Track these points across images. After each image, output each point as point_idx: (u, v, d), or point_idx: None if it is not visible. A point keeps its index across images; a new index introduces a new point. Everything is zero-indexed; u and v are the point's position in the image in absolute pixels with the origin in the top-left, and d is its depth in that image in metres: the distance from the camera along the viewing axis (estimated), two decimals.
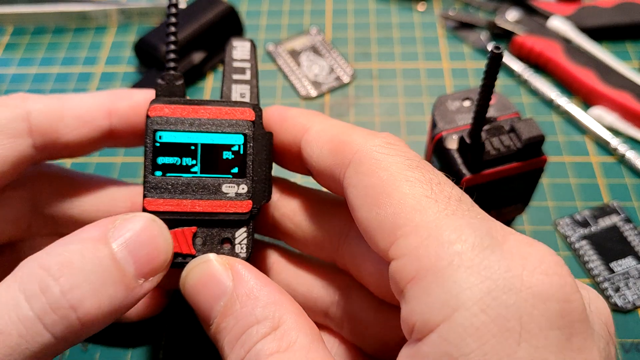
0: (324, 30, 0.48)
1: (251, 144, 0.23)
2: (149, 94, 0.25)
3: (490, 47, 0.22)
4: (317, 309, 0.25)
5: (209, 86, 0.44)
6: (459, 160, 0.27)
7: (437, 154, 0.28)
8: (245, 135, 0.23)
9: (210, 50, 0.44)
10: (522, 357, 0.15)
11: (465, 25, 0.47)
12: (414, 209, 0.18)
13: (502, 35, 0.45)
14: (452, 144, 0.27)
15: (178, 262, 0.22)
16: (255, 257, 0.26)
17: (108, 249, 0.20)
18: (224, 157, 0.23)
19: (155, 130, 0.23)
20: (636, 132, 0.39)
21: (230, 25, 0.46)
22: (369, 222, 0.19)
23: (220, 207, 0.23)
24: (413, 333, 0.17)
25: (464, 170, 0.26)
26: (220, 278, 0.21)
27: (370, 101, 0.43)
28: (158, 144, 0.23)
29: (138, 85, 0.43)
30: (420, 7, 0.49)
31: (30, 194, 0.26)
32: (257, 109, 0.24)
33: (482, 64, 0.45)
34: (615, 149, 0.38)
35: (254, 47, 0.26)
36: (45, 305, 0.18)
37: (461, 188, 0.25)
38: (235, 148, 0.23)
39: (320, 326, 0.26)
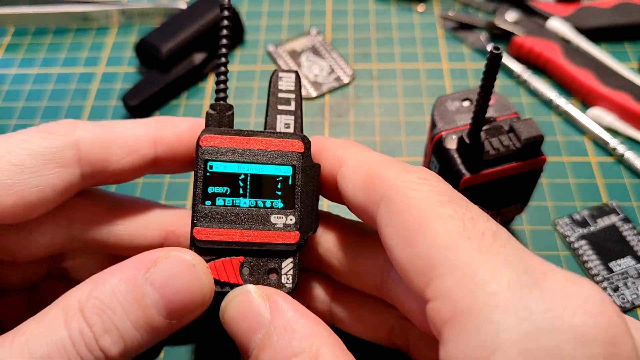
0: (324, 31, 0.48)
1: (299, 176, 0.24)
2: (193, 122, 0.26)
3: (489, 47, 0.22)
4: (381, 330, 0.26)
5: (210, 87, 0.44)
6: (458, 160, 0.27)
7: (437, 154, 0.28)
8: (294, 166, 0.24)
9: (211, 51, 0.44)
10: None
11: (464, 26, 0.47)
12: (446, 247, 0.17)
13: (501, 36, 0.46)
14: (452, 144, 0.27)
15: (225, 291, 0.23)
16: (302, 287, 0.26)
17: (139, 293, 0.20)
18: (273, 188, 0.23)
19: (207, 160, 0.23)
20: (635, 132, 0.39)
21: (231, 26, 0.46)
22: (403, 262, 0.19)
23: (268, 238, 0.23)
24: None
25: (463, 170, 0.27)
26: (258, 310, 0.21)
27: (370, 101, 0.43)
28: (209, 174, 0.23)
29: (139, 85, 0.43)
30: (420, 8, 0.49)
31: (66, 222, 0.25)
32: (306, 140, 0.24)
33: (481, 64, 0.45)
34: (614, 149, 0.38)
35: (298, 78, 0.26)
36: (83, 347, 0.19)
37: (460, 188, 0.25)
38: (284, 179, 0.24)
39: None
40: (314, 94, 0.43)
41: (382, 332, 0.26)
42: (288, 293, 0.23)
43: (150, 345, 0.21)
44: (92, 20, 0.49)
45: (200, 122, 0.26)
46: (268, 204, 0.23)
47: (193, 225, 0.23)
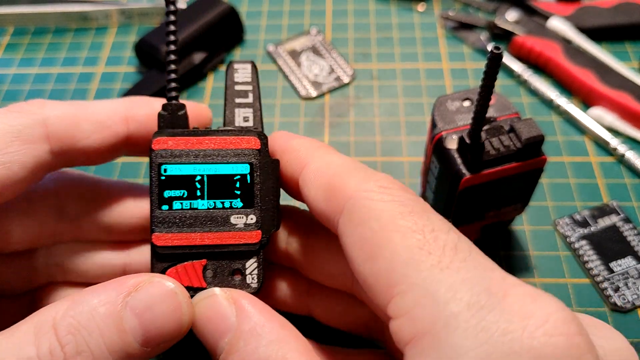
0: (324, 30, 0.48)
1: (258, 173, 0.23)
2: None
3: (490, 47, 0.22)
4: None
5: (209, 86, 0.44)
6: (458, 160, 0.27)
7: (437, 154, 0.28)
8: (251, 164, 0.23)
9: (211, 50, 0.44)
10: None
11: (464, 26, 0.47)
12: (407, 263, 0.17)
13: (501, 36, 0.45)
14: (452, 144, 0.27)
15: (190, 295, 0.22)
16: (274, 282, 0.26)
17: (118, 318, 0.20)
18: (231, 187, 0.23)
19: (160, 164, 0.23)
20: (635, 132, 0.39)
21: (231, 25, 0.46)
22: (365, 277, 0.18)
23: (229, 239, 0.23)
24: None
25: (464, 170, 0.27)
26: (225, 313, 0.21)
27: (370, 101, 0.43)
28: (164, 177, 0.23)
29: (138, 85, 0.43)
30: (420, 7, 0.49)
31: (56, 201, 0.26)
32: (262, 136, 0.23)
33: (481, 64, 0.45)
34: (614, 149, 0.38)
35: (255, 68, 0.26)
36: None
37: (460, 188, 0.25)
38: (242, 178, 0.23)
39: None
40: (314, 93, 0.43)
41: (358, 325, 0.26)
42: (254, 293, 0.23)
43: None
44: (92, 20, 0.49)
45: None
46: (227, 204, 0.23)
47: (152, 231, 0.22)
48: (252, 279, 0.23)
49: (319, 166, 0.22)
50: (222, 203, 0.23)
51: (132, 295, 0.20)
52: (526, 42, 0.43)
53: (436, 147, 0.28)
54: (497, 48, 0.21)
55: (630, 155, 0.37)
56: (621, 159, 0.38)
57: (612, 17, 0.45)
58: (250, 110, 0.25)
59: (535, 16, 0.46)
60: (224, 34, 0.45)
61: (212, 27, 0.44)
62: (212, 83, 0.45)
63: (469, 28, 0.47)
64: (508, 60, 0.44)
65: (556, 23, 0.44)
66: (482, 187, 0.27)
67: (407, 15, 0.49)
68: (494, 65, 0.22)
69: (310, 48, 0.46)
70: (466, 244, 0.18)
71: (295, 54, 0.46)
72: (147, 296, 0.20)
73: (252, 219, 0.23)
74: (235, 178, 0.23)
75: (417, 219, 0.18)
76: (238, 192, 0.23)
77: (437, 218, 0.19)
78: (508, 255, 0.34)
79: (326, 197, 0.21)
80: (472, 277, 0.16)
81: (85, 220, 0.26)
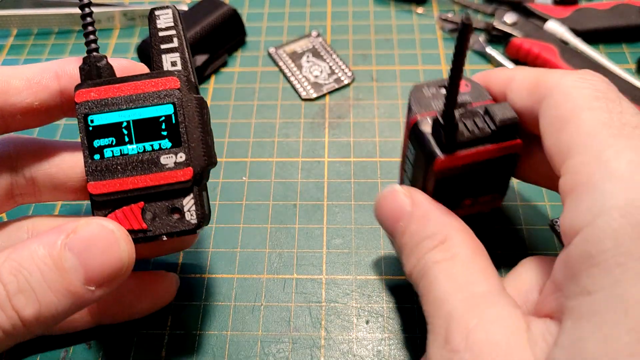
0: (325, 32, 0.48)
1: (181, 111, 0.23)
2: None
3: (460, 18, 0.23)
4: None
5: (211, 88, 0.45)
6: (432, 142, 0.26)
7: (412, 138, 0.28)
8: (173, 103, 0.24)
9: (213, 52, 0.45)
10: None
11: None
12: (587, 134, 0.20)
13: (499, 38, 0.46)
14: (427, 127, 0.27)
15: (137, 238, 0.23)
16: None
17: (57, 257, 0.21)
18: (157, 129, 0.23)
19: (86, 115, 0.23)
20: None
21: (232, 27, 0.46)
22: (551, 147, 0.21)
23: (162, 179, 0.23)
24: (566, 237, 0.19)
25: (438, 152, 0.26)
26: (402, 203, 0.25)
27: (370, 102, 0.43)
28: (91, 128, 0.23)
29: None
30: (419, 10, 0.50)
31: (9, 162, 0.26)
32: (181, 75, 0.24)
33: (480, 66, 0.45)
34: None
35: (177, 13, 0.26)
36: None
37: (435, 169, 0.25)
38: (167, 118, 0.23)
39: None
40: (314, 95, 0.44)
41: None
42: (194, 229, 0.23)
43: (70, 313, 0.21)
44: (95, 22, 0.49)
45: (113, 61, 0.25)
46: (156, 146, 0.23)
47: (87, 181, 0.23)
48: (191, 215, 0.24)
49: (524, 75, 0.25)
50: (151, 145, 0.23)
51: (71, 236, 0.21)
52: (524, 44, 0.44)
53: (412, 131, 0.28)
54: (467, 18, 0.21)
55: None
56: None
57: (608, 20, 0.45)
58: (177, 54, 0.25)
59: (532, 18, 0.46)
60: (226, 36, 0.46)
61: (214, 29, 0.44)
62: (213, 85, 0.45)
63: None
64: (505, 62, 0.44)
65: (553, 25, 0.45)
66: (457, 171, 0.27)
67: (406, 17, 0.49)
68: (464, 35, 0.22)
69: (310, 50, 0.47)
70: None
71: (295, 56, 0.46)
72: (84, 235, 0.21)
73: (181, 157, 0.23)
74: (160, 120, 0.23)
75: (608, 102, 0.21)
76: (164, 133, 0.23)
77: (628, 104, 0.21)
78: (505, 254, 0.34)
79: (530, 91, 0.24)
80: (638, 144, 0.19)
81: (39, 178, 0.27)
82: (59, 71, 0.25)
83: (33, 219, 0.28)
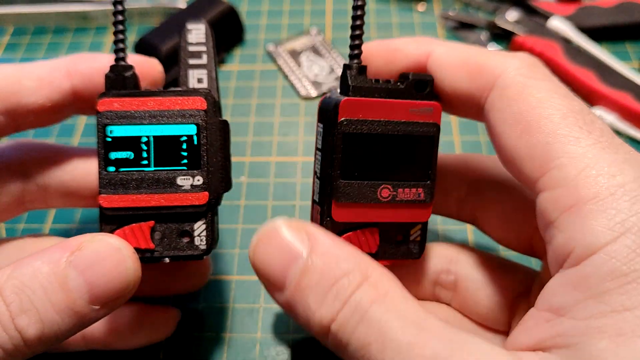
0: (324, 30, 0.48)
1: (204, 134, 0.23)
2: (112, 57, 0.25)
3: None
4: (426, 281, 0.26)
5: None
6: (338, 91, 0.23)
7: (320, 113, 0.24)
8: (197, 125, 0.23)
9: None
10: None
11: (465, 26, 0.47)
12: (567, 139, 0.18)
13: (502, 36, 0.45)
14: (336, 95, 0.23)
15: (142, 257, 0.22)
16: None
17: (61, 275, 0.20)
18: (177, 148, 0.23)
19: (106, 125, 0.23)
20: (636, 132, 0.39)
21: (231, 25, 0.46)
22: (517, 150, 0.19)
23: (176, 200, 0.22)
24: (569, 259, 0.17)
25: (342, 97, 0.22)
26: (294, 242, 0.20)
27: None
28: (109, 139, 0.23)
29: None
30: (420, 7, 0.49)
31: (20, 167, 0.26)
32: (209, 96, 0.23)
33: None
34: None
35: (209, 29, 0.25)
36: None
37: (340, 118, 0.22)
38: (189, 139, 0.23)
39: (430, 298, 0.27)
40: (314, 93, 0.43)
41: (521, 242, 0.26)
42: (202, 255, 0.23)
43: (73, 333, 0.20)
44: (92, 19, 0.49)
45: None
46: (175, 166, 0.23)
47: (99, 193, 0.22)
48: (201, 240, 0.23)
49: (447, 49, 0.22)
50: (169, 164, 0.23)
51: (76, 254, 0.20)
52: (526, 42, 0.43)
53: (320, 108, 0.24)
54: None
55: None
56: None
57: (612, 17, 0.45)
58: (205, 71, 0.25)
59: (535, 16, 0.46)
60: (224, 34, 0.45)
61: (212, 26, 0.44)
62: None
63: (469, 28, 0.47)
64: None
65: (556, 23, 0.44)
66: (367, 128, 0.23)
67: (407, 14, 0.49)
68: None
69: (310, 48, 0.46)
70: (616, 136, 0.19)
71: (295, 54, 0.46)
72: (90, 253, 0.20)
73: (198, 180, 0.23)
74: (181, 139, 0.23)
75: (574, 101, 0.19)
76: (185, 154, 0.23)
77: (588, 108, 0.20)
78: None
79: (470, 75, 0.21)
80: (632, 158, 0.18)
81: (51, 185, 0.26)
82: (70, 69, 0.25)
83: (36, 240, 0.27)
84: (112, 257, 0.21)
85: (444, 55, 0.22)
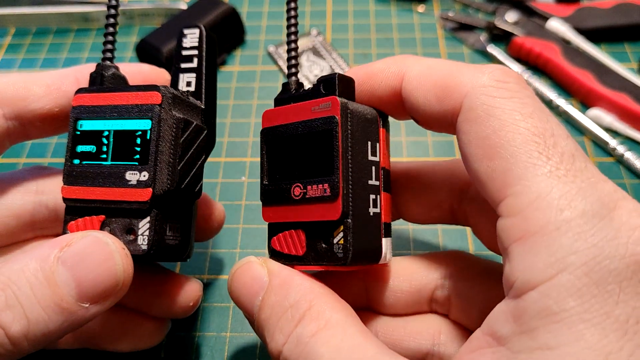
0: (325, 31, 0.48)
1: (157, 129, 0.22)
2: (122, 65, 0.26)
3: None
4: (422, 296, 0.26)
5: None
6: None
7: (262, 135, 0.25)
8: (151, 119, 0.22)
9: None
10: (619, 314, 0.16)
11: (464, 27, 0.47)
12: (525, 166, 0.18)
13: (501, 37, 0.46)
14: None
15: None
16: None
17: (48, 270, 0.19)
18: (132, 143, 0.23)
19: (77, 119, 0.23)
20: (634, 132, 0.39)
21: (231, 26, 0.46)
22: (480, 175, 0.19)
23: (122, 195, 0.22)
24: (512, 290, 0.18)
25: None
26: (258, 275, 0.22)
27: None
28: (78, 132, 0.23)
29: None
30: (420, 8, 0.49)
31: (33, 186, 0.26)
32: (166, 92, 0.23)
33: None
34: (613, 150, 0.38)
35: (203, 34, 0.26)
36: None
37: (263, 130, 0.23)
38: (143, 134, 0.23)
39: (428, 311, 0.26)
40: None
41: (425, 298, 0.26)
42: (143, 255, 0.22)
43: (63, 333, 0.20)
44: (93, 20, 0.49)
45: (131, 66, 0.25)
46: (126, 160, 0.23)
47: (63, 184, 0.23)
48: (143, 240, 0.22)
49: (421, 70, 0.22)
50: (123, 159, 0.23)
51: (64, 250, 0.20)
52: (525, 43, 0.44)
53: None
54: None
55: (629, 155, 0.38)
56: (620, 160, 0.38)
57: (611, 18, 0.45)
58: (194, 74, 0.25)
59: (534, 17, 0.46)
60: (225, 35, 0.46)
61: (213, 28, 0.44)
62: None
63: (468, 29, 0.47)
64: (507, 61, 0.44)
65: (555, 24, 0.45)
66: (278, 129, 0.24)
67: (407, 16, 0.49)
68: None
69: (310, 49, 0.46)
70: (582, 153, 0.18)
71: None
72: (78, 248, 0.20)
73: (144, 176, 0.22)
74: (136, 134, 0.23)
75: (538, 121, 0.19)
76: (137, 149, 0.23)
77: (555, 121, 0.19)
78: None
79: (439, 97, 0.21)
80: (587, 187, 0.17)
81: (62, 209, 0.26)
82: (79, 77, 0.25)
83: (36, 243, 0.27)
84: (99, 252, 0.20)
85: (415, 78, 0.22)
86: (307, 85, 0.43)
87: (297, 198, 0.23)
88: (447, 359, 0.25)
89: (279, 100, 0.25)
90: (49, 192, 0.26)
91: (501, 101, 0.19)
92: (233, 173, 0.39)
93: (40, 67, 0.47)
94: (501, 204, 0.18)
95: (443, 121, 0.21)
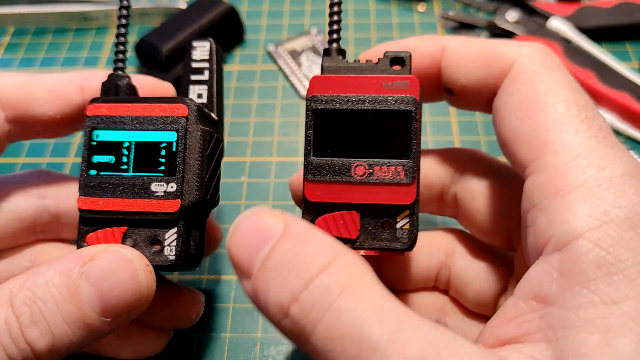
0: (324, 30, 0.48)
1: (183, 141, 0.22)
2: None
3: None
4: (419, 274, 0.26)
5: None
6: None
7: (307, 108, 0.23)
8: (178, 131, 0.23)
9: None
10: None
11: (465, 26, 0.47)
12: (566, 129, 0.18)
13: (501, 36, 0.45)
14: None
15: None
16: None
17: (73, 286, 0.19)
18: (156, 154, 0.23)
19: (93, 129, 0.23)
20: (635, 132, 0.39)
21: (231, 25, 0.46)
22: (516, 133, 0.20)
23: (149, 207, 0.22)
24: (550, 243, 0.17)
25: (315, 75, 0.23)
26: (269, 224, 0.18)
27: None
28: (94, 143, 0.23)
29: None
30: (421, 7, 0.49)
31: (35, 190, 0.26)
32: (192, 104, 0.23)
33: None
34: None
35: (214, 47, 0.26)
36: (7, 338, 0.19)
37: (311, 100, 0.21)
38: (168, 145, 0.23)
39: (432, 288, 0.27)
40: None
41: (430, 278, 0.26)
42: (169, 265, 0.22)
43: (84, 345, 0.20)
44: (92, 20, 0.49)
45: (137, 78, 0.25)
46: (151, 171, 0.22)
47: (79, 195, 0.23)
48: (170, 250, 0.22)
49: (462, 41, 0.23)
50: (146, 170, 0.23)
51: (88, 264, 0.20)
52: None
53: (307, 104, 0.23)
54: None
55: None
56: None
57: (612, 17, 0.45)
58: (205, 87, 0.25)
59: (535, 16, 0.46)
60: (224, 34, 0.45)
61: (212, 27, 0.44)
62: None
63: (469, 28, 0.47)
64: None
65: (556, 23, 0.45)
66: (337, 104, 0.22)
67: (407, 15, 0.49)
68: None
69: (310, 48, 0.46)
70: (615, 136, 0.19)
71: (295, 54, 0.46)
72: (102, 264, 0.20)
73: (172, 187, 0.22)
74: (161, 145, 0.23)
75: (579, 95, 0.20)
76: (162, 160, 0.23)
77: (591, 100, 0.20)
78: None
79: (485, 64, 0.22)
80: (623, 155, 0.18)
81: (64, 215, 0.26)
82: (83, 84, 0.25)
83: (36, 247, 0.27)
84: (124, 269, 0.20)
85: (458, 48, 0.23)
86: (307, 84, 0.43)
87: (359, 178, 0.21)
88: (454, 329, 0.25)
89: (331, 69, 0.23)
90: (51, 196, 0.26)
91: (548, 71, 0.20)
92: (233, 173, 0.39)
93: (39, 67, 0.46)
94: (534, 162, 0.19)
95: (484, 88, 0.22)
